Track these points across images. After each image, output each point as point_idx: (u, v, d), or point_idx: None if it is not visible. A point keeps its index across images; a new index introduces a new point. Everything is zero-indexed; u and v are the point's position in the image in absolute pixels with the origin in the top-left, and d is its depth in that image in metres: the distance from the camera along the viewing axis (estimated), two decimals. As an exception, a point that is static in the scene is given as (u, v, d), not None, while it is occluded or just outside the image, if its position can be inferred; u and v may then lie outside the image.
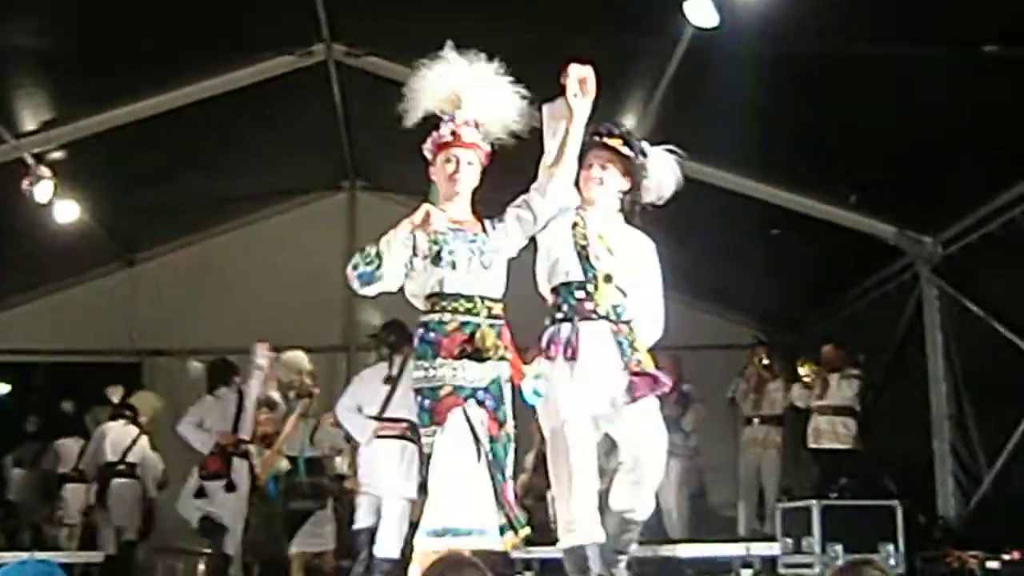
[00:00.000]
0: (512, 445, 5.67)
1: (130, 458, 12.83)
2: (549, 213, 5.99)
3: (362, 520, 10.05)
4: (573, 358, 5.84)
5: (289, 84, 11.27)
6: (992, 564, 9.04)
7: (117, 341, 15.11)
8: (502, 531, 5.30)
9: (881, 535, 9.69)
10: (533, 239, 6.01)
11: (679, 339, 13.85)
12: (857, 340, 12.30)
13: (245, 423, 11.52)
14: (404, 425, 9.54)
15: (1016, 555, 8.88)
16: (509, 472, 5.64)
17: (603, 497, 6.30)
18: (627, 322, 5.73)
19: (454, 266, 5.57)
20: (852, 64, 8.69)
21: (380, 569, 9.46)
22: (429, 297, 5.46)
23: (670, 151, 6.25)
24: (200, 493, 11.34)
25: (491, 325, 5.50)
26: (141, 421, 13.19)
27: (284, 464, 12.09)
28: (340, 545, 11.63)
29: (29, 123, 10.79)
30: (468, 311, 5.42)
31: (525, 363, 5.69)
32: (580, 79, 5.63)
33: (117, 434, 12.87)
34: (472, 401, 5.41)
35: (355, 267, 5.49)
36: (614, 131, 6.20)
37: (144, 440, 13.09)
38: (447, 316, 5.43)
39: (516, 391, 5.59)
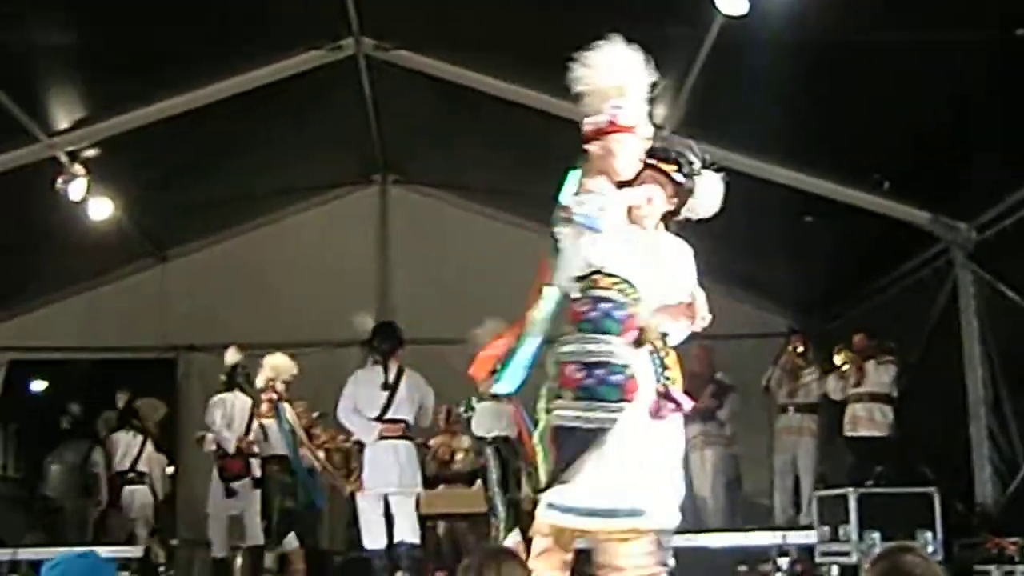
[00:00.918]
0: None
1: (140, 466, 13.06)
2: None
3: (374, 540, 10.42)
4: None
5: (319, 79, 11.28)
6: (1031, 550, 8.99)
7: (151, 337, 15.20)
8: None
9: (918, 522, 9.65)
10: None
11: (712, 328, 13.83)
12: (891, 327, 12.23)
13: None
14: (403, 426, 10.48)
15: (1055, 541, 8.83)
16: None
17: None
18: (664, 335, 5.65)
19: None
20: (883, 49, 8.63)
21: (409, 555, 10.18)
22: (608, 276, 5.28)
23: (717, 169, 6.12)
24: (230, 493, 11.90)
25: None
26: (147, 427, 13.37)
27: None
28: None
29: (62, 121, 10.84)
30: (636, 300, 5.33)
31: None
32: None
33: (125, 443, 13.06)
34: None
35: (580, 204, 5.29)
36: (669, 155, 6.18)
37: (150, 445, 13.28)
38: (626, 299, 5.29)
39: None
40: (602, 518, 4.95)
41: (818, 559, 10.49)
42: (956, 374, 11.16)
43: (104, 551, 11.43)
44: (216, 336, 15.03)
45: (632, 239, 5.51)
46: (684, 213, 6.23)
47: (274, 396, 12.03)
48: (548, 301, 5.46)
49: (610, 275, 5.29)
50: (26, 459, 15.27)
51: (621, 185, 5.61)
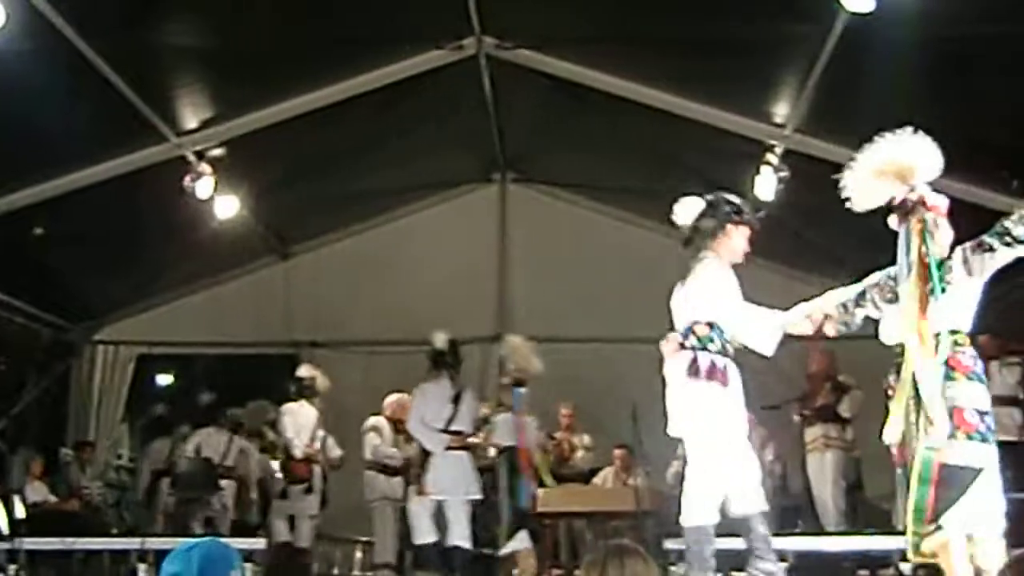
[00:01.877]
0: None
1: (228, 461, 13.26)
2: None
3: (426, 534, 10.96)
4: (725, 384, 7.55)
5: (440, 77, 11.38)
6: None
7: (275, 333, 15.45)
8: None
9: (1049, 529, 9.41)
10: None
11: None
12: (1018, 329, 11.94)
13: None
14: (463, 437, 11.15)
15: None
16: None
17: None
18: None
19: None
20: (1013, 45, 8.44)
21: (464, 558, 10.85)
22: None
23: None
24: (283, 495, 12.75)
25: None
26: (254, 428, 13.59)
27: None
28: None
29: (190, 121, 11.09)
30: None
31: None
32: None
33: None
34: None
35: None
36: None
37: (240, 440, 13.47)
38: None
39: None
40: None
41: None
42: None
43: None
44: (338, 332, 15.27)
45: None
46: None
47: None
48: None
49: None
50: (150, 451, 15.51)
51: None
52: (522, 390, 11.78)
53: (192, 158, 11.35)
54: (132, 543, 11.95)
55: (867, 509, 12.58)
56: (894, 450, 6.85)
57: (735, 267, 7.73)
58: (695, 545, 7.54)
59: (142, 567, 11.78)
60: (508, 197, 15.69)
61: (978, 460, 5.96)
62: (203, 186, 11.50)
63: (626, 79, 10.97)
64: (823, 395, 12.18)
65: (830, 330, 7.64)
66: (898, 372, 11.94)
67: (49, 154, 10.61)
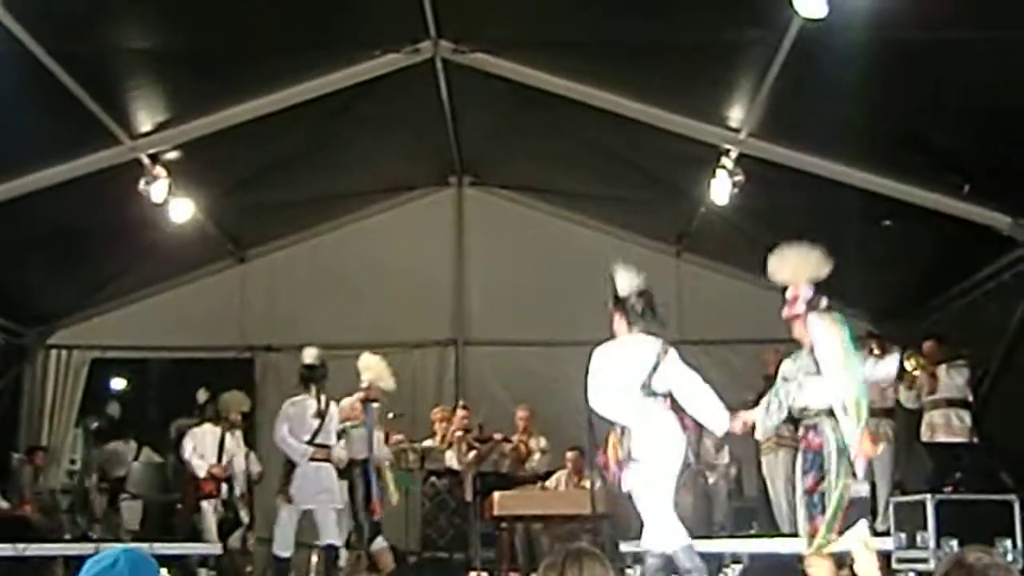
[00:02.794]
0: None
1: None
2: None
3: (285, 547, 11.29)
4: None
5: (396, 81, 11.37)
6: (1114, 560, 8.84)
7: (230, 337, 15.39)
8: None
9: (998, 530, 9.50)
10: None
11: (787, 331, 13.78)
12: (971, 330, 12.08)
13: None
14: (327, 449, 11.45)
15: None
16: None
17: None
18: None
19: None
20: (963, 51, 8.54)
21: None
22: None
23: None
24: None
25: None
26: (231, 419, 13.44)
27: None
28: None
29: (144, 124, 11.03)
30: None
31: None
32: None
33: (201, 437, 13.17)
34: None
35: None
36: None
37: (230, 438, 13.37)
38: None
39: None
40: None
41: (895, 566, 10.35)
42: (1037, 380, 11.02)
43: (182, 547, 11.73)
44: (293, 337, 15.19)
45: None
46: None
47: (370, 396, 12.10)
48: None
49: None
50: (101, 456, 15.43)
51: None
52: (375, 405, 11.99)
53: (147, 161, 11.30)
54: (86, 549, 11.88)
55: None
56: (810, 481, 7.81)
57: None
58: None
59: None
60: (465, 201, 15.71)
61: (866, 492, 7.94)
62: (158, 189, 11.46)
63: (582, 83, 11.00)
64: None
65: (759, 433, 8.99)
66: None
67: (1, 157, 10.52)
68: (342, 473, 11.70)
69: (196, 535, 12.79)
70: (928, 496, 9.81)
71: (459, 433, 13.34)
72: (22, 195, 11.10)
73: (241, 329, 15.36)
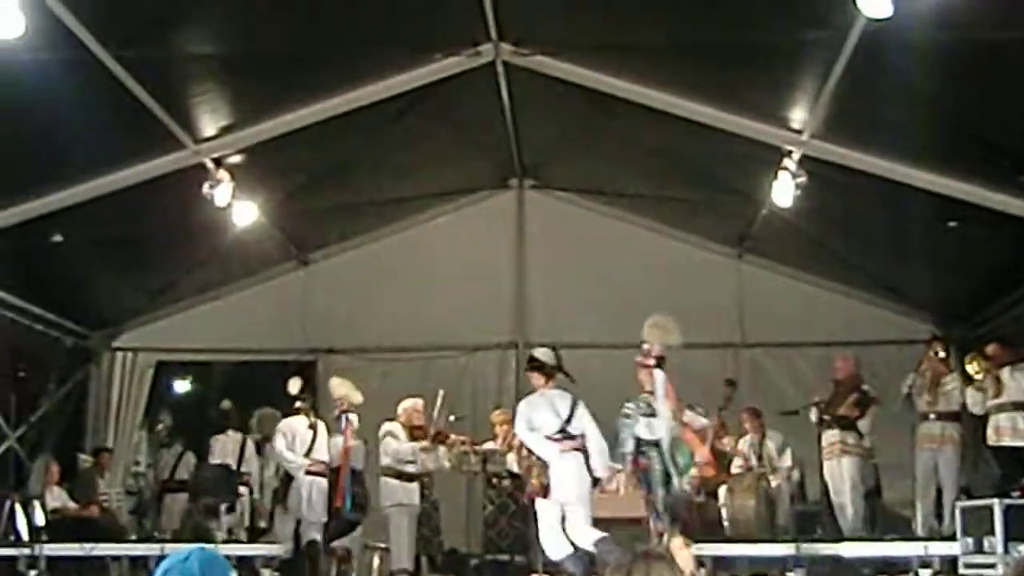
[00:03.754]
0: None
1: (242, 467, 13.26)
2: None
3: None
4: None
5: (457, 84, 11.39)
6: None
7: (292, 339, 15.47)
8: None
9: (1066, 535, 9.39)
10: None
11: (854, 335, 13.70)
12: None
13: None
14: (321, 463, 12.39)
15: None
16: None
17: None
18: None
19: None
20: (1030, 48, 8.43)
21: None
22: None
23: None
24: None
25: None
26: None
27: None
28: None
29: (208, 128, 11.10)
30: None
31: None
32: None
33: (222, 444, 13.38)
34: None
35: None
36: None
37: (251, 446, 13.49)
38: None
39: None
40: None
41: (962, 571, 10.26)
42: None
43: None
44: (355, 339, 15.30)
45: None
46: None
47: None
48: None
49: None
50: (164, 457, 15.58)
51: None
52: (352, 416, 12.39)
53: (210, 165, 11.38)
54: (151, 549, 12.01)
55: (886, 515, 12.56)
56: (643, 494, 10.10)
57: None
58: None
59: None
60: (525, 203, 15.70)
61: None
62: (221, 193, 11.53)
63: (643, 85, 10.96)
64: (847, 407, 12.15)
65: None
66: (918, 369, 12.04)
67: (68, 162, 10.65)
68: None
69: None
70: (996, 501, 9.71)
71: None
72: (89, 199, 11.22)
73: (304, 332, 15.44)
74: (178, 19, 9.22)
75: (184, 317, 15.68)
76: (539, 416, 10.06)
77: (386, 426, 12.75)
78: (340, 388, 12.64)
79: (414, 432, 12.70)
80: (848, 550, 11.08)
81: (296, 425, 12.56)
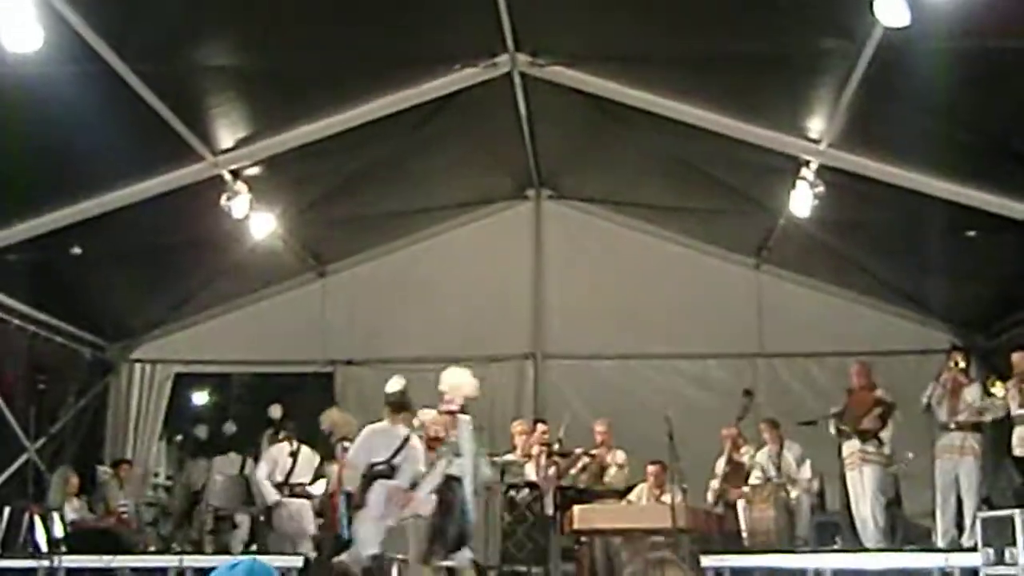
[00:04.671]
0: None
1: (293, 478, 13.17)
2: None
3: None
4: None
5: (474, 95, 11.40)
6: None
7: (311, 351, 15.49)
8: None
9: (1089, 546, 9.31)
10: None
11: (872, 344, 13.64)
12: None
13: None
14: (302, 487, 13.02)
15: None
16: None
17: None
18: None
19: None
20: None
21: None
22: None
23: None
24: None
25: None
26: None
27: None
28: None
29: (226, 140, 11.13)
30: None
31: None
32: None
33: (275, 456, 13.28)
34: None
35: None
36: None
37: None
38: None
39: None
40: None
41: (982, 582, 10.19)
42: None
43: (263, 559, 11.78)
44: (373, 351, 15.30)
45: None
46: None
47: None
48: None
49: None
50: (189, 469, 15.61)
51: None
52: (348, 444, 12.11)
53: (228, 177, 11.41)
54: (170, 561, 12.01)
55: (906, 526, 12.49)
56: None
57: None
58: None
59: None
60: (543, 214, 15.70)
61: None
62: (239, 205, 11.56)
63: (660, 95, 10.96)
64: (870, 419, 12.09)
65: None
66: (938, 379, 11.95)
67: (86, 174, 10.70)
68: None
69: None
70: (1017, 511, 9.63)
71: (539, 448, 13.32)
72: (106, 212, 11.26)
73: (322, 343, 15.46)
74: (196, 31, 9.26)
75: (202, 329, 15.71)
76: (375, 443, 10.85)
77: (404, 437, 12.74)
78: (337, 425, 12.55)
79: (431, 444, 12.68)
80: (868, 561, 11.02)
81: (277, 453, 12.97)
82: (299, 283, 15.73)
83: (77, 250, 12.03)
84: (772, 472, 12.96)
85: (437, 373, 14.07)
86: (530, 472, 13.20)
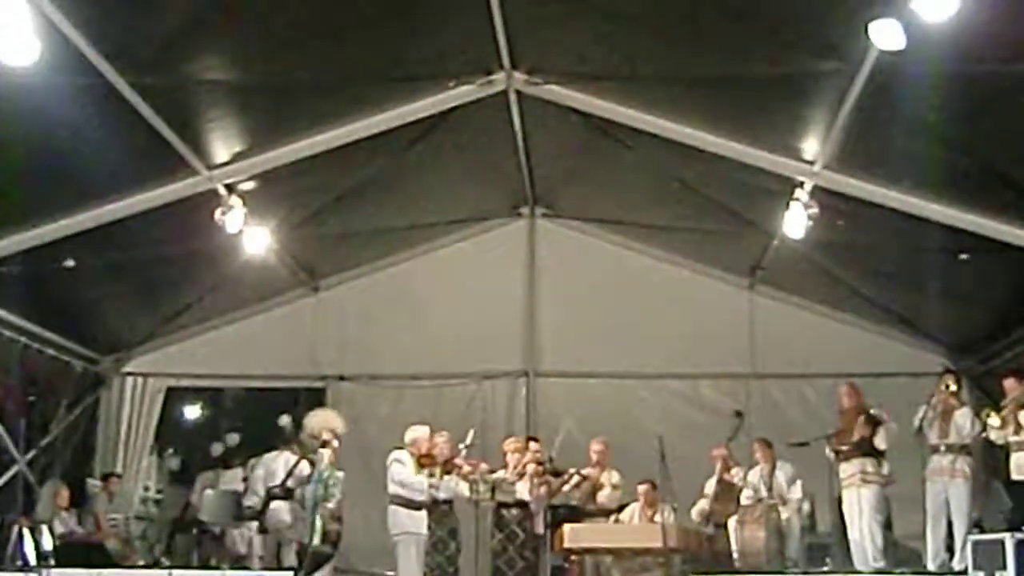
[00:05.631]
0: None
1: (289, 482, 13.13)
2: None
3: None
4: None
5: (470, 112, 11.42)
6: None
7: (303, 366, 15.47)
8: None
9: (1078, 570, 9.32)
10: None
11: (865, 366, 13.64)
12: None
13: None
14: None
15: None
16: None
17: None
18: None
19: None
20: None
21: None
22: None
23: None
24: None
25: None
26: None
27: None
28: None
29: (221, 154, 11.13)
30: None
31: None
32: None
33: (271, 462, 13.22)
34: None
35: None
36: None
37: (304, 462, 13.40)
38: None
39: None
40: None
41: (972, 605, 10.19)
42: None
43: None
44: (365, 366, 15.29)
45: None
46: None
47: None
48: None
49: None
50: (180, 484, 15.59)
51: None
52: (323, 451, 12.41)
53: (223, 191, 11.41)
54: (160, 575, 11.98)
55: (896, 548, 12.47)
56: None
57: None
58: None
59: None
60: (537, 232, 15.69)
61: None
62: (233, 219, 11.55)
63: (655, 115, 10.98)
64: (858, 428, 12.08)
65: None
66: (929, 401, 11.94)
67: (80, 187, 10.68)
68: None
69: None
70: (1007, 535, 9.65)
71: (532, 467, 13.29)
72: (100, 224, 11.25)
73: (314, 359, 15.44)
74: (192, 46, 9.26)
75: (195, 343, 15.68)
76: (272, 467, 12.55)
77: (394, 454, 12.71)
78: (312, 422, 12.76)
79: (421, 460, 12.67)
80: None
81: (271, 460, 12.83)
82: (292, 298, 15.71)
83: (71, 262, 12.00)
84: (764, 492, 12.94)
85: (431, 390, 14.15)
86: (522, 491, 13.17)
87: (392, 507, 12.50)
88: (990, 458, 11.98)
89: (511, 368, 15.40)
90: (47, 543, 11.93)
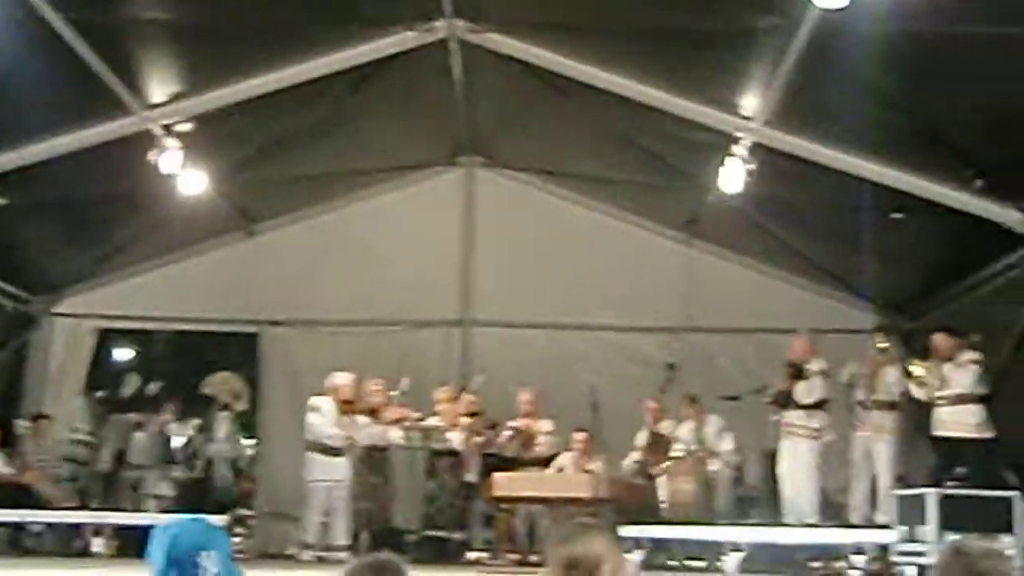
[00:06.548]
0: None
1: None
2: None
3: None
4: None
5: (410, 59, 11.34)
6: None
7: (237, 311, 15.37)
8: None
9: (999, 526, 9.49)
10: None
11: (799, 322, 13.74)
12: (979, 326, 12.01)
13: None
14: None
15: None
16: None
17: None
18: None
19: None
20: (980, 45, 8.48)
21: None
22: None
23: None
24: None
25: None
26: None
27: None
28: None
29: (158, 95, 10.99)
30: None
31: None
32: None
33: None
34: None
35: None
36: None
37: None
38: None
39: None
40: None
41: (894, 558, 10.37)
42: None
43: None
44: (300, 311, 15.21)
45: None
46: None
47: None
48: None
49: None
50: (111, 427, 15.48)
51: None
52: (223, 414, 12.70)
53: (159, 132, 11.26)
54: (86, 517, 11.93)
55: (824, 502, 12.62)
56: None
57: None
58: None
59: (97, 541, 11.77)
60: (474, 181, 15.63)
61: None
62: (169, 161, 11.42)
63: (596, 67, 10.96)
64: (778, 381, 12.17)
65: None
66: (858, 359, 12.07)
67: (13, 124, 10.51)
68: None
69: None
70: (930, 490, 9.80)
71: (467, 419, 13.34)
72: (33, 163, 11.10)
73: (248, 303, 15.30)
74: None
75: (128, 285, 15.47)
76: None
77: (312, 400, 12.73)
78: (212, 384, 12.81)
79: (344, 407, 12.69)
80: (784, 535, 11.17)
81: None
82: (228, 242, 15.54)
83: (1, 201, 11.84)
84: (693, 446, 13.06)
85: (365, 337, 14.09)
86: (455, 439, 13.22)
87: (307, 454, 12.55)
88: (916, 415, 12.14)
89: (447, 317, 15.38)
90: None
